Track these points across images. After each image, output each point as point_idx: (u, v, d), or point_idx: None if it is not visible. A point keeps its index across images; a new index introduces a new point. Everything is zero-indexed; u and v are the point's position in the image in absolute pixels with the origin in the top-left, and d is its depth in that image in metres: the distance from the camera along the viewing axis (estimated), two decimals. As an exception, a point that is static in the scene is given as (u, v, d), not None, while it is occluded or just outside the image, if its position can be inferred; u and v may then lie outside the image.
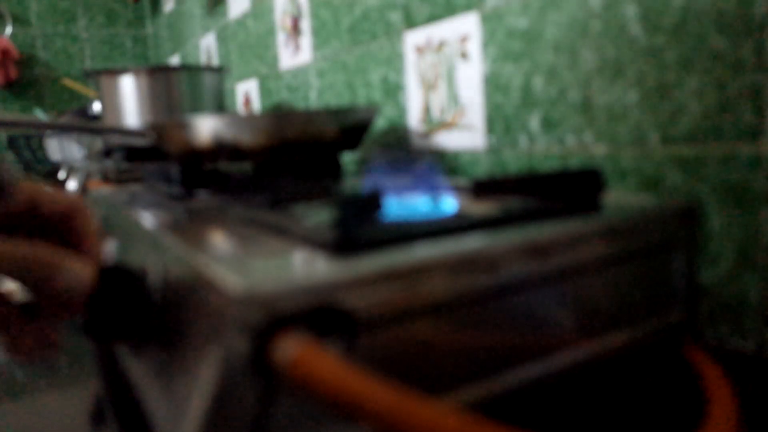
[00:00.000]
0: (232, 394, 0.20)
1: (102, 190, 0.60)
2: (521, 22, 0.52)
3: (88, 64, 1.90)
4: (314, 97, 0.92)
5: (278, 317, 0.21)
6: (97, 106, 1.17)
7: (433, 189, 0.35)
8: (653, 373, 0.34)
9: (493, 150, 0.57)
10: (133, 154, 0.81)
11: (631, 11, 0.43)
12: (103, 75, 0.95)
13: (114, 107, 0.94)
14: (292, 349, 0.20)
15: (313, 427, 0.22)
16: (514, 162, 0.55)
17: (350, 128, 0.59)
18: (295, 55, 0.97)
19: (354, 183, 0.52)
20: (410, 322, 0.24)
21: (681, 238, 0.33)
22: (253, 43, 1.13)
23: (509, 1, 0.53)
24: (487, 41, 0.56)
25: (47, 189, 0.28)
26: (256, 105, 1.15)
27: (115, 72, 0.94)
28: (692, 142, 0.40)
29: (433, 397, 0.25)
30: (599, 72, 0.46)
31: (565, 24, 0.48)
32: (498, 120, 0.56)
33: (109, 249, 0.42)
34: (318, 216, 0.33)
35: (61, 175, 1.08)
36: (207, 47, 1.42)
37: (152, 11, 1.95)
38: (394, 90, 0.72)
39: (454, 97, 0.62)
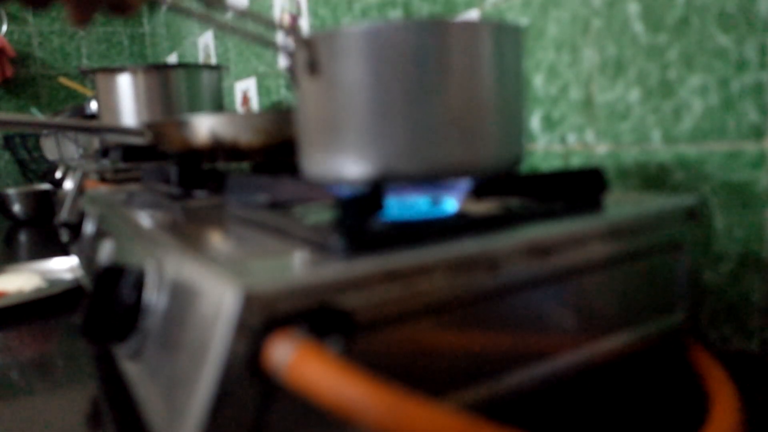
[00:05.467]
0: (231, 396, 0.20)
1: (99, 189, 0.60)
2: (522, 20, 0.52)
3: (85, 63, 1.89)
4: (313, 96, 0.92)
5: (277, 318, 0.20)
6: (93, 105, 1.17)
7: (433, 189, 0.34)
8: (656, 374, 0.34)
9: (493, 149, 0.57)
10: (130, 153, 0.81)
11: (633, 9, 0.43)
12: (99, 73, 0.94)
13: (111, 106, 0.94)
14: (291, 350, 0.19)
15: (312, 428, 0.22)
16: (514, 161, 0.55)
17: (349, 127, 0.58)
18: (293, 53, 0.96)
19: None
20: (410, 322, 0.24)
21: (684, 238, 0.33)
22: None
23: (509, -2, 0.53)
24: (487, 39, 0.56)
25: None
26: (255, 104, 1.15)
27: (112, 70, 0.93)
28: (695, 141, 0.40)
29: (433, 399, 0.25)
30: (601, 70, 0.45)
31: (567, 21, 0.48)
32: (498, 119, 0.56)
33: (107, 249, 0.41)
34: (317, 216, 0.33)
35: (58, 174, 1.08)
36: (205, 45, 1.41)
37: (149, 9, 1.95)
38: (393, 88, 0.71)
39: (453, 96, 0.61)
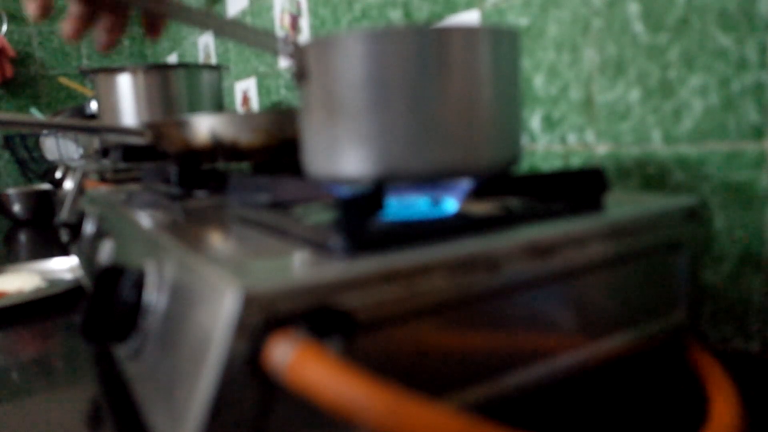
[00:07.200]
0: (231, 396, 0.20)
1: (99, 189, 0.60)
2: (522, 20, 0.52)
3: (85, 63, 1.89)
4: (313, 96, 0.92)
5: (277, 318, 0.20)
6: (93, 105, 1.17)
7: (433, 189, 0.34)
8: (656, 374, 0.34)
9: (493, 149, 0.57)
10: (130, 153, 0.81)
11: (633, 8, 0.43)
12: (99, 73, 0.94)
13: (111, 106, 0.94)
14: (291, 350, 0.19)
15: (313, 428, 0.22)
16: (514, 161, 0.55)
17: (349, 127, 0.58)
18: (293, 53, 0.96)
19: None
20: (410, 322, 0.24)
21: (684, 238, 0.33)
22: (251, 41, 1.12)
23: (509, -2, 0.53)
24: (487, 39, 0.56)
25: None
26: (255, 104, 1.15)
27: (112, 70, 0.93)
28: (695, 141, 0.40)
29: (434, 399, 0.25)
30: (601, 70, 0.45)
31: (567, 21, 0.48)
32: (498, 119, 0.56)
33: (107, 249, 0.41)
34: (318, 216, 0.33)
35: (58, 174, 1.08)
36: (205, 45, 1.41)
37: (150, 10, 1.94)
38: (393, 88, 0.71)
39: (453, 96, 0.61)
